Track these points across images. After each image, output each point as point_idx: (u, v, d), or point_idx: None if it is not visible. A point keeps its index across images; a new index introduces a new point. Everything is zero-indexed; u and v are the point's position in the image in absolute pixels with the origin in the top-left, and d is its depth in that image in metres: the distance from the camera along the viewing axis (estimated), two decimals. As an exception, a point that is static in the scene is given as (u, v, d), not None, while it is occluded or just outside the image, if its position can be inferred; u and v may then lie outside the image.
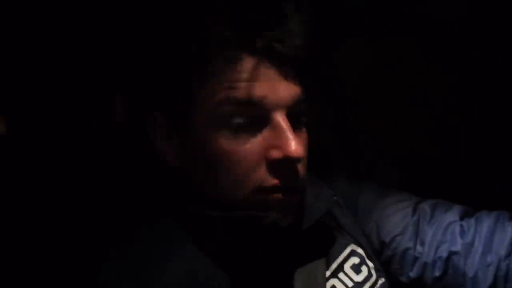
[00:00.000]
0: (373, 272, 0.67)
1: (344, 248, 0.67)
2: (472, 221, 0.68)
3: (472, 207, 0.71)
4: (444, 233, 0.68)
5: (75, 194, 0.76)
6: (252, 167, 0.57)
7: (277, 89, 0.57)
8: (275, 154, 0.57)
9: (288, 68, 0.58)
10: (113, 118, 0.82)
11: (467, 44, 0.91)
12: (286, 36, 0.57)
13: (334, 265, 0.66)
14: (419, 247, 0.68)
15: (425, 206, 0.71)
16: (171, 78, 0.60)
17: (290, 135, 0.56)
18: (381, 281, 0.68)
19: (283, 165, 0.57)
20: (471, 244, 0.66)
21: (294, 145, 0.56)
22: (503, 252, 0.65)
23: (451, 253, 0.66)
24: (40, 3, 0.73)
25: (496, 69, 0.89)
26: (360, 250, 0.68)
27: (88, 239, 0.70)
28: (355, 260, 0.67)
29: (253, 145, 0.57)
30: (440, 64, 0.93)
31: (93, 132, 0.78)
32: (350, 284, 0.65)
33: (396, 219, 0.70)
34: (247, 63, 0.56)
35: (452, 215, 0.69)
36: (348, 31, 0.92)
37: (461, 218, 0.69)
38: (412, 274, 0.68)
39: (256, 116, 0.57)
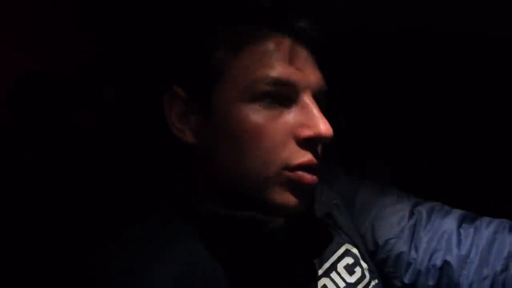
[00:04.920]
0: (366, 273, 0.66)
1: (339, 248, 0.66)
2: (470, 230, 0.65)
3: (465, 207, 0.69)
4: (440, 241, 0.65)
5: (74, 186, 0.74)
6: (281, 143, 0.56)
7: (308, 72, 0.58)
8: (306, 132, 0.57)
9: (316, 54, 0.59)
10: (101, 107, 0.80)
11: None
12: (318, 24, 0.59)
13: (327, 264, 0.65)
14: (413, 253, 0.66)
15: (423, 210, 0.68)
16: (201, 51, 0.58)
17: (320, 114, 0.57)
18: (374, 282, 0.66)
19: (310, 144, 0.57)
20: (467, 255, 0.64)
21: (324, 124, 0.56)
22: (499, 265, 0.62)
23: (445, 262, 0.64)
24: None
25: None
26: (355, 250, 0.67)
27: (86, 228, 0.68)
28: (349, 260, 0.66)
29: (283, 121, 0.57)
30: (432, 66, 0.93)
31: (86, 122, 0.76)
32: (342, 284, 0.64)
33: (392, 221, 0.69)
34: (285, 44, 0.58)
35: (449, 222, 0.67)
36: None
37: (459, 226, 0.66)
38: (406, 279, 0.66)
39: (287, 96, 0.57)
